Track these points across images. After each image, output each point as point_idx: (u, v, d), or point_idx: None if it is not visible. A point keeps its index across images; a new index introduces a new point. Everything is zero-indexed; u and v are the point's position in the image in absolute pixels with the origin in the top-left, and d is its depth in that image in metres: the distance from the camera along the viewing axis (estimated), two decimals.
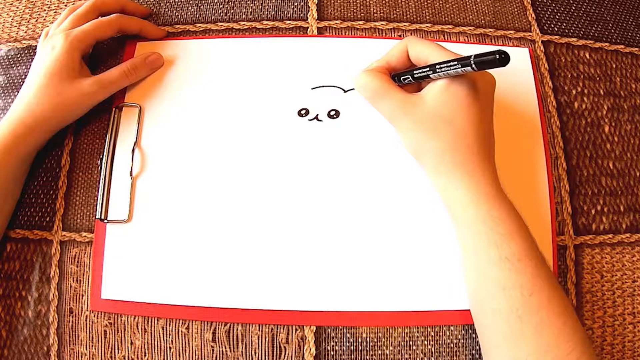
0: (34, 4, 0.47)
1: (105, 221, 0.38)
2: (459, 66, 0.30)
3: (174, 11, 0.46)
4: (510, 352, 0.30)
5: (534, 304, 0.30)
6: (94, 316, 0.37)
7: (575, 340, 0.29)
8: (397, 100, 0.34)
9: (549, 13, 0.46)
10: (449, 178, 0.33)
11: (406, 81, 0.35)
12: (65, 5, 0.47)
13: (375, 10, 0.45)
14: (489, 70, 0.34)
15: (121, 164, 0.40)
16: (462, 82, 0.32)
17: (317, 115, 0.41)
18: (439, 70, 0.32)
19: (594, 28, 0.46)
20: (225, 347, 0.36)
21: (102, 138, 0.41)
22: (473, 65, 0.29)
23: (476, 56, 0.29)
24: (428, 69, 0.33)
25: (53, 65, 0.38)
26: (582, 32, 0.45)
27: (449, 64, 0.31)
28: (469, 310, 0.36)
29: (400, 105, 0.34)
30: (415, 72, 0.34)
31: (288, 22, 0.45)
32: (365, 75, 0.35)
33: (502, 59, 0.28)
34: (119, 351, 0.37)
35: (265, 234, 0.38)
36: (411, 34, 0.44)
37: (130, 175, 0.39)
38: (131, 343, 0.37)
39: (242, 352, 0.36)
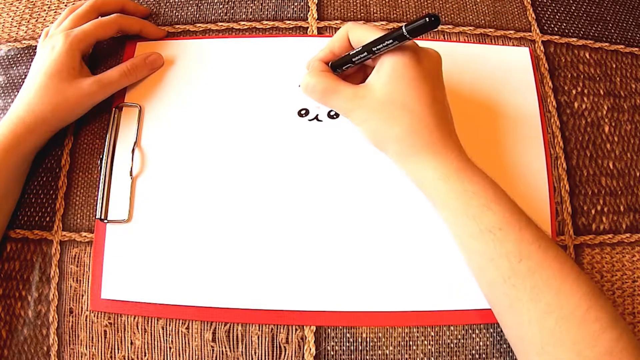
0: (34, 4, 0.47)
1: (105, 221, 0.38)
2: (393, 41, 0.31)
3: (174, 11, 0.46)
4: (512, 318, 0.30)
5: (524, 269, 0.30)
6: (94, 316, 0.37)
7: (579, 295, 0.28)
8: (347, 95, 0.34)
9: (549, 13, 0.46)
10: (415, 161, 0.34)
11: (346, 68, 0.36)
12: (65, 5, 0.47)
13: (375, 10, 0.45)
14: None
15: (121, 164, 0.40)
16: (408, 65, 0.32)
17: (317, 115, 0.41)
18: (377, 50, 0.32)
19: (594, 28, 0.46)
20: (225, 347, 0.36)
21: (102, 138, 0.41)
22: (406, 35, 0.30)
23: (407, 24, 0.29)
24: (365, 52, 0.33)
25: (53, 65, 0.38)
26: (582, 32, 0.45)
27: (383, 41, 0.31)
28: (469, 310, 0.36)
29: (350, 99, 0.34)
30: (354, 57, 0.34)
31: (288, 22, 0.45)
32: (309, 78, 0.35)
33: (433, 22, 0.28)
34: (119, 351, 0.37)
35: (265, 234, 0.38)
36: None
37: (130, 175, 0.39)
38: (131, 343, 0.37)
39: (242, 352, 0.36)
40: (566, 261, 0.30)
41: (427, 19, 0.28)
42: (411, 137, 0.33)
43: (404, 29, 0.30)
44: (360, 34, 0.34)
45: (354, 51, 0.34)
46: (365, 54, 0.33)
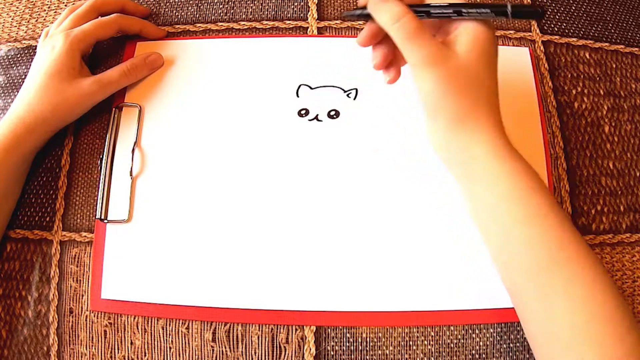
0: (34, 4, 0.47)
1: (105, 221, 0.38)
2: (489, 12, 0.30)
3: (174, 11, 0.46)
4: (543, 309, 0.29)
5: (562, 259, 0.29)
6: (94, 316, 0.37)
7: (608, 292, 0.28)
8: (431, 48, 0.31)
9: (549, 13, 0.46)
10: (470, 135, 0.32)
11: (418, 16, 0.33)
12: (65, 5, 0.47)
13: None
14: None
15: (121, 164, 0.40)
16: (491, 41, 0.32)
17: (317, 115, 0.41)
18: (466, 13, 0.31)
19: (594, 28, 0.46)
20: (225, 347, 0.36)
21: (102, 138, 0.41)
22: (508, 13, 0.30)
23: (513, 5, 0.30)
24: (451, 10, 0.31)
25: (53, 65, 0.38)
26: (582, 32, 0.45)
27: (478, 8, 0.30)
28: (469, 310, 0.36)
29: (432, 55, 0.31)
30: (435, 10, 0.32)
31: (288, 22, 0.45)
32: (402, 11, 0.31)
33: (540, 13, 0.30)
34: (119, 351, 0.37)
35: (265, 234, 0.38)
36: None
37: (130, 175, 0.39)
38: (131, 343, 0.37)
39: (242, 352, 0.36)
40: (597, 258, 0.30)
41: (537, 9, 0.29)
42: (475, 110, 0.31)
43: (509, 7, 0.29)
44: None
45: (438, 4, 0.32)
46: (450, 11, 0.31)
